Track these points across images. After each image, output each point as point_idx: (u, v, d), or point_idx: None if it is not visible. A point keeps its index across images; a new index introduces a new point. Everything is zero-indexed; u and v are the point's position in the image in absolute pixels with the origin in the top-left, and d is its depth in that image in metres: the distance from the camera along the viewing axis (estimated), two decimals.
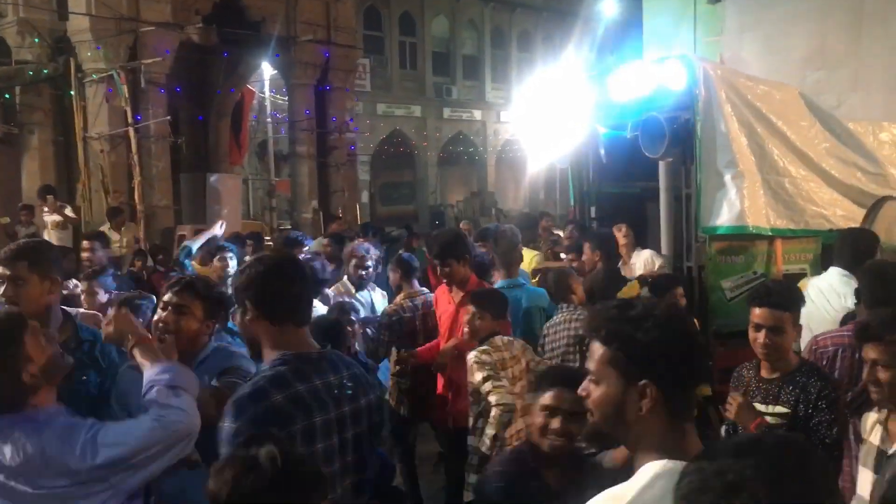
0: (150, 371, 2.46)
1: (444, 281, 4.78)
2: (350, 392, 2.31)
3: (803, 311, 4.44)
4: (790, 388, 3.15)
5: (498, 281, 5.28)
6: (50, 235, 10.45)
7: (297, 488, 1.73)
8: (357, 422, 2.32)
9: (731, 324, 5.38)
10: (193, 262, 7.03)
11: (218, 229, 7.65)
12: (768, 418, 3.13)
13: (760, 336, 3.18)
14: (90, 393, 3.16)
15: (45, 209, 10.64)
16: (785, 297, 3.23)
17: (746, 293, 5.56)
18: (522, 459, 2.84)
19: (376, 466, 2.54)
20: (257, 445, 1.74)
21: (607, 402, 1.71)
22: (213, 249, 6.97)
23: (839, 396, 3.09)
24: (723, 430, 3.15)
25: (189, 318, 2.96)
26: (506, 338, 4.20)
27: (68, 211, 10.73)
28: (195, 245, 7.31)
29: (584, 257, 5.71)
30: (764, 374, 3.27)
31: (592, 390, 1.74)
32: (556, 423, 2.72)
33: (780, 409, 3.14)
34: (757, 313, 3.20)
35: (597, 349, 1.73)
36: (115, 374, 3.16)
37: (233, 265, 6.16)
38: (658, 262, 5.94)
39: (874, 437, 2.77)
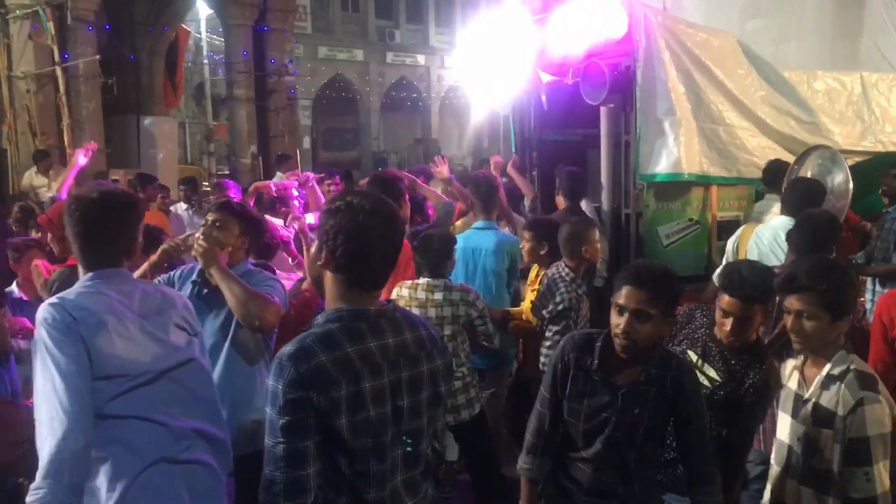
0: None
1: None
2: (410, 356, 2.12)
3: (753, 255, 4.56)
4: (732, 362, 3.02)
5: (476, 221, 5.38)
6: None
7: None
8: (415, 390, 2.12)
9: None
10: None
11: (81, 160, 6.23)
12: (698, 373, 3.02)
13: (728, 323, 2.97)
14: None
15: None
16: (760, 290, 2.96)
17: (682, 239, 5.70)
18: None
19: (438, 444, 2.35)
20: None
21: None
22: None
23: (768, 382, 2.97)
24: None
25: (226, 232, 3.46)
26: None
27: None
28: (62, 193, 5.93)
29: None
30: (717, 333, 3.09)
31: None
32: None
33: (711, 372, 3.04)
34: (726, 301, 2.96)
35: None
36: None
37: None
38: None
39: (792, 382, 2.85)
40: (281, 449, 1.92)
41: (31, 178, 10.59)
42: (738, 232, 5.06)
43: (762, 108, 5.84)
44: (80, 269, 2.55)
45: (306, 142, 26.47)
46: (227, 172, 15.85)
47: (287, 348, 1.99)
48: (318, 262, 2.11)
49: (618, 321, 2.60)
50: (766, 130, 5.84)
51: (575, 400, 2.74)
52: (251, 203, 5.76)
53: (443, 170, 6.42)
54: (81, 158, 6.22)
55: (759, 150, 5.77)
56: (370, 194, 2.16)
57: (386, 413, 2.05)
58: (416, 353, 2.14)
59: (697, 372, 3.02)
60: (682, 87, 5.48)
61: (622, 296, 2.60)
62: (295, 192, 6.68)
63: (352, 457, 2.00)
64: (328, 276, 2.11)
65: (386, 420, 2.05)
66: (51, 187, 10.36)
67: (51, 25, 11.18)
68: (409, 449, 2.13)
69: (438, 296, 4.22)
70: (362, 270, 2.07)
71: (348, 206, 2.05)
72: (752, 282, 2.94)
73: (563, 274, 4.42)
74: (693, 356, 3.11)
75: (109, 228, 2.53)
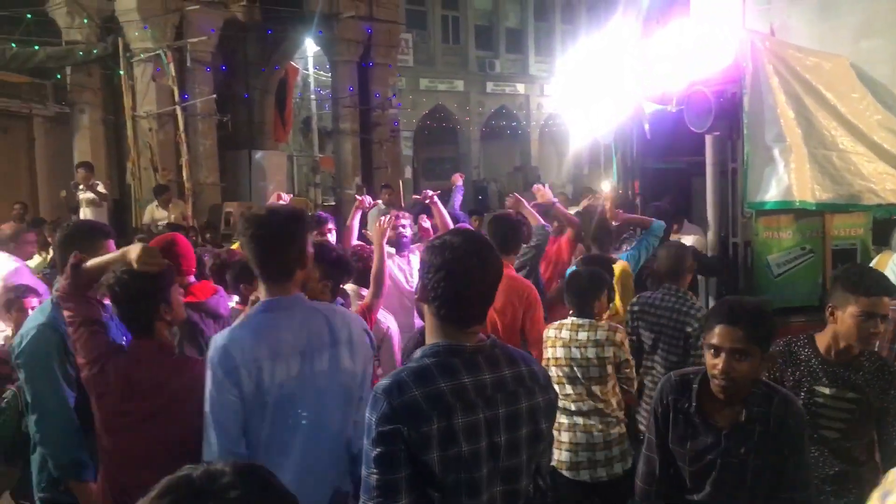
0: None
1: None
2: (508, 392, 2.12)
3: None
4: (859, 373, 2.94)
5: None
6: (84, 213, 10.65)
7: None
8: (513, 426, 2.11)
9: (777, 300, 5.32)
10: None
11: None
12: (841, 402, 2.93)
13: (880, 326, 2.88)
14: None
15: (81, 186, 10.63)
16: (891, 284, 2.92)
17: (795, 268, 5.51)
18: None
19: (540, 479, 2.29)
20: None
21: None
22: None
23: None
24: None
25: (308, 278, 3.30)
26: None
27: (101, 188, 10.73)
28: None
29: None
30: (827, 355, 2.99)
31: None
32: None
33: (851, 394, 2.92)
34: (872, 303, 2.85)
35: None
36: None
37: None
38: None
39: None
40: (374, 479, 1.98)
41: (153, 211, 11.21)
42: (875, 260, 4.89)
43: (878, 133, 5.62)
44: (261, 285, 2.68)
45: (408, 171, 26.95)
46: (332, 203, 16.33)
47: (383, 382, 2.06)
48: (416, 296, 2.21)
49: (714, 362, 2.51)
50: (883, 155, 5.62)
51: (678, 443, 2.67)
52: (354, 222, 5.76)
53: (545, 193, 6.10)
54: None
55: (876, 176, 5.54)
56: (469, 233, 2.21)
57: (480, 449, 2.05)
58: (515, 389, 2.14)
59: (840, 401, 2.93)
60: (792, 112, 5.35)
61: (716, 335, 2.51)
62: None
63: (444, 492, 2.01)
64: (426, 310, 2.18)
65: (479, 456, 2.05)
66: (170, 220, 10.97)
67: (171, 67, 11.86)
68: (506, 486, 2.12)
69: (583, 335, 4.04)
70: (455, 306, 2.10)
71: (443, 243, 2.12)
72: (883, 278, 2.99)
73: (679, 294, 4.44)
74: (826, 390, 2.96)
75: (277, 242, 2.61)
